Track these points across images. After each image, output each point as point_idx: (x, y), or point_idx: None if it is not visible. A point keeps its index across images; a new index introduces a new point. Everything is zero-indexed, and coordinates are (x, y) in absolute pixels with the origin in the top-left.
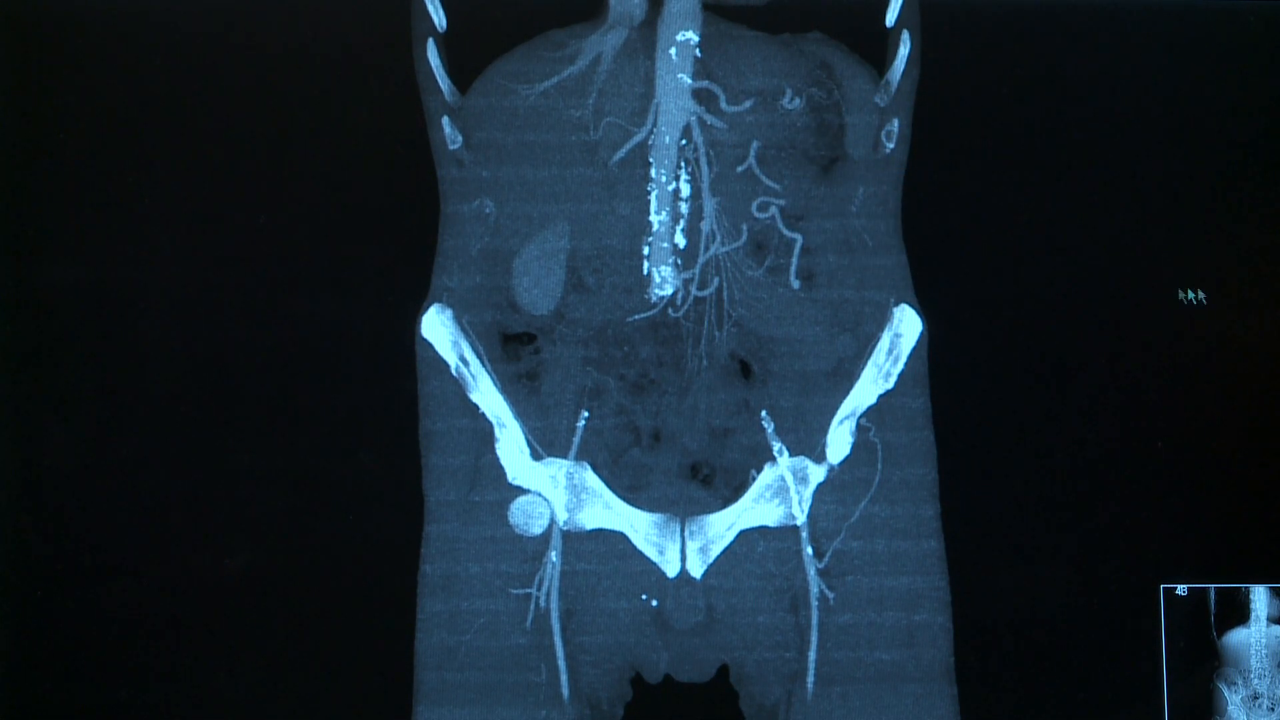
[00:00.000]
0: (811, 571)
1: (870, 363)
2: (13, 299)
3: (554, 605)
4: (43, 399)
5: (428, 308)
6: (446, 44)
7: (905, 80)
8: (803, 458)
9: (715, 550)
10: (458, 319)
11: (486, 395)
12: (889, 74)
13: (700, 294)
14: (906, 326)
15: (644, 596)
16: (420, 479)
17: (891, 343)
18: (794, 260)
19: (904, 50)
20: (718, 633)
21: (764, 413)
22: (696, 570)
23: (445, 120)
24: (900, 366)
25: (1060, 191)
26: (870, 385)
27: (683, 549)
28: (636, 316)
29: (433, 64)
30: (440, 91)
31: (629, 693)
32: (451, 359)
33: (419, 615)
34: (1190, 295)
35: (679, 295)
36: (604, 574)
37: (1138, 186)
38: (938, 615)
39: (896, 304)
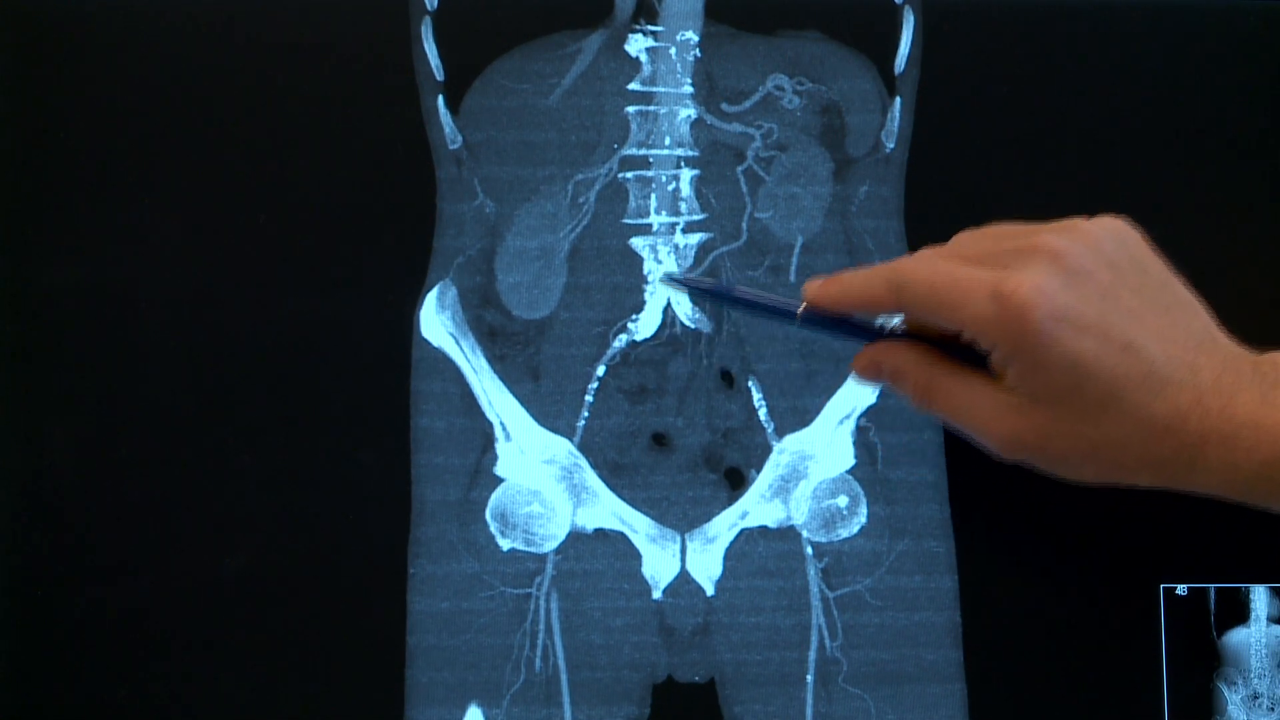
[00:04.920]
0: (812, 572)
1: None
2: (13, 299)
3: (554, 605)
4: (43, 399)
5: (427, 306)
6: (449, 43)
7: (907, 72)
8: (803, 457)
9: (716, 550)
10: (457, 318)
11: (486, 394)
12: (897, 56)
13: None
14: None
15: (644, 597)
16: (420, 479)
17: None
18: (794, 260)
19: (907, 35)
20: (718, 633)
21: (764, 413)
22: (697, 571)
23: (444, 115)
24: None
25: (1061, 190)
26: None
27: (683, 549)
28: (636, 317)
29: (425, 44)
30: (433, 72)
31: (630, 694)
32: (451, 358)
33: (418, 615)
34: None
35: (678, 296)
36: (604, 574)
37: (1138, 185)
38: (938, 615)
39: None
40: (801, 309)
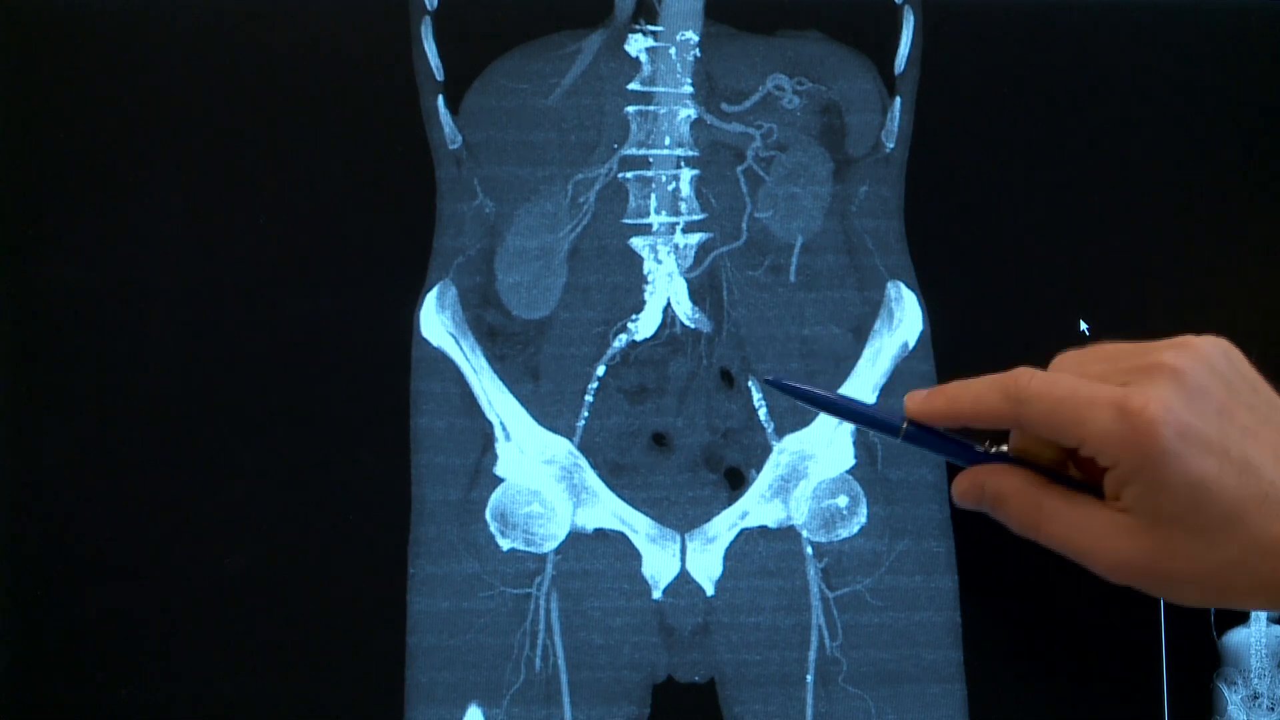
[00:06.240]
0: (812, 571)
1: (866, 355)
2: (13, 299)
3: (554, 605)
4: (43, 399)
5: (427, 306)
6: (449, 43)
7: (907, 72)
8: (803, 457)
9: (716, 550)
10: (457, 318)
11: (486, 394)
12: (897, 56)
13: (700, 294)
14: (906, 310)
15: (644, 597)
16: (420, 479)
17: (890, 323)
18: (794, 260)
19: (907, 35)
20: (718, 633)
21: (763, 413)
22: (697, 571)
23: (444, 115)
24: (898, 340)
25: (1062, 190)
26: (868, 379)
27: (683, 549)
28: (636, 317)
29: (425, 44)
30: (433, 72)
31: (630, 694)
32: (451, 358)
33: (418, 615)
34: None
35: (678, 296)
36: (604, 574)
37: (1138, 185)
38: (938, 615)
39: (893, 285)
40: (905, 425)
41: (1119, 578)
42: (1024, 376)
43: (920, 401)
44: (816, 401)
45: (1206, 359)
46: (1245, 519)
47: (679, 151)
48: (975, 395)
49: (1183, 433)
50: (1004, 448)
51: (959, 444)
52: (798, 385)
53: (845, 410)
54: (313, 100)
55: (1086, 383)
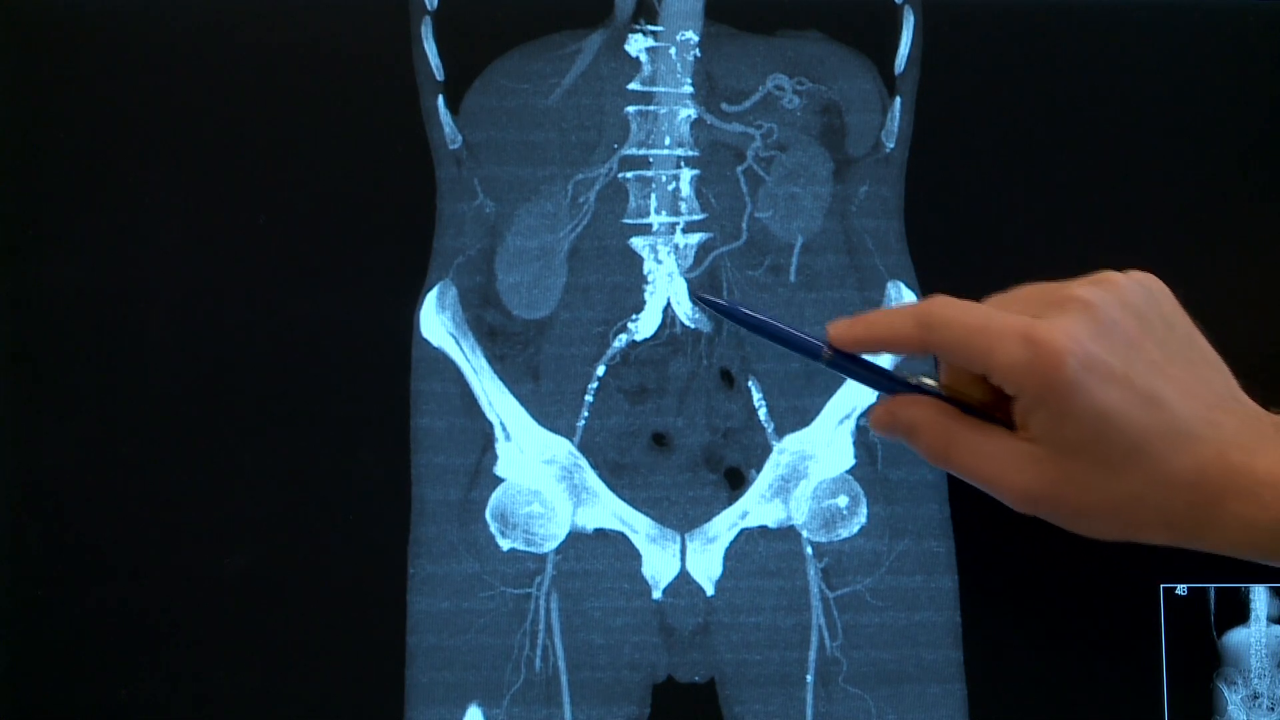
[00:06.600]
0: (812, 571)
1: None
2: (13, 299)
3: (554, 605)
4: (43, 399)
5: (427, 306)
6: (449, 43)
7: (907, 72)
8: (803, 457)
9: (716, 550)
10: (457, 318)
11: (486, 394)
12: (897, 56)
13: (700, 293)
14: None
15: (644, 597)
16: (420, 479)
17: None
18: (794, 260)
19: (907, 35)
20: (718, 633)
21: (764, 413)
22: (697, 571)
23: (444, 115)
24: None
25: (1060, 190)
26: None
27: (683, 549)
28: (636, 317)
29: (425, 44)
30: (433, 72)
31: (630, 694)
32: (451, 358)
33: (418, 615)
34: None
35: (679, 296)
36: (604, 574)
37: (1138, 185)
38: (938, 615)
39: (893, 285)
40: (827, 350)
41: (1027, 508)
42: (938, 304)
43: (842, 329)
44: (743, 320)
45: (1121, 293)
46: (1149, 451)
47: (679, 151)
48: (890, 321)
49: (1088, 363)
50: (930, 382)
51: (880, 373)
52: (724, 303)
53: (771, 332)
54: (313, 100)
55: (998, 313)
